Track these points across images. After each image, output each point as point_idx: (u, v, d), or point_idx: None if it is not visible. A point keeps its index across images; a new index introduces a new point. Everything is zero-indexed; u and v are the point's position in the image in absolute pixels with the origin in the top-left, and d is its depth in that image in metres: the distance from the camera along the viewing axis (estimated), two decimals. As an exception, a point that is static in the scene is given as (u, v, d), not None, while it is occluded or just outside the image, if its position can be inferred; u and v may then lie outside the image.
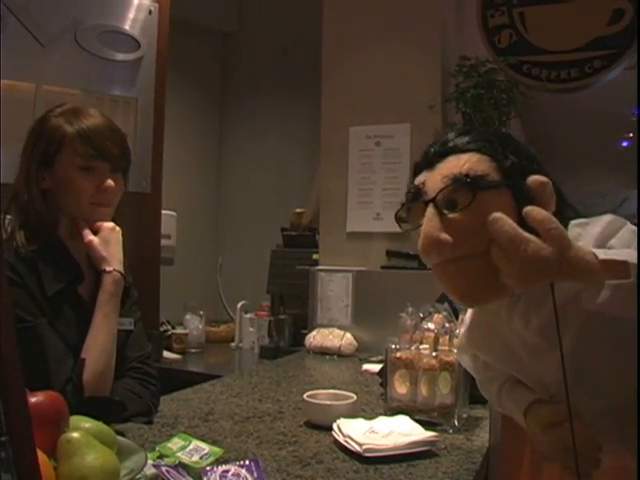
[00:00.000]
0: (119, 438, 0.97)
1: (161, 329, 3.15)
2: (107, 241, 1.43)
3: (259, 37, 4.03)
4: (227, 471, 0.86)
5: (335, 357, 2.59)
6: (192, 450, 0.99)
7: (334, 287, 2.79)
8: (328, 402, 1.53)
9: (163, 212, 3.26)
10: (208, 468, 0.89)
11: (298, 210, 3.45)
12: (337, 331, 2.68)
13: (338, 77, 2.94)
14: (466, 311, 1.64)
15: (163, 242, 3.29)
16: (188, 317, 3.28)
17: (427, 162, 0.93)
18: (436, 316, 1.63)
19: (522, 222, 0.80)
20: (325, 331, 2.70)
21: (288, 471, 1.20)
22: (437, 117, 2.61)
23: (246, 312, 3.26)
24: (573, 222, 0.89)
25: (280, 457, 1.28)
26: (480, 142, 0.91)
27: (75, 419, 0.93)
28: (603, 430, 0.89)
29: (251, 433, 1.44)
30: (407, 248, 2.67)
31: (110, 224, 1.46)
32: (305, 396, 1.55)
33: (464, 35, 2.84)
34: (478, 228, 0.82)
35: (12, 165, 2.78)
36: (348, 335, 2.65)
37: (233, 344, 3.25)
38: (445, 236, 0.84)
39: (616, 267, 0.76)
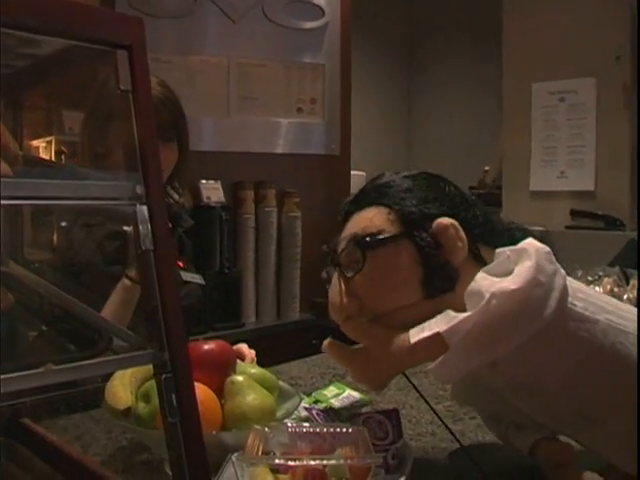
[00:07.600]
0: (281, 384, 1.12)
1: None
2: None
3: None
4: (370, 417, 0.97)
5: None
6: (344, 397, 1.12)
7: (516, 248, 2.77)
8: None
9: (353, 172, 3.41)
10: (356, 413, 1.01)
11: (486, 168, 3.45)
12: (518, 292, 2.67)
13: (519, 31, 2.85)
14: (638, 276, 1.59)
15: (354, 202, 3.44)
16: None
17: (342, 221, 0.90)
18: (605, 280, 1.59)
19: (428, 272, 0.80)
20: (506, 292, 2.70)
21: (439, 423, 1.28)
22: (626, 69, 2.44)
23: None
24: (498, 250, 0.82)
25: (436, 411, 1.36)
26: (378, 194, 0.85)
27: (243, 366, 1.09)
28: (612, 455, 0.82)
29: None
30: (594, 208, 2.57)
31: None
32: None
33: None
34: (379, 288, 0.82)
35: (212, 133, 3.05)
36: (529, 296, 2.63)
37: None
38: (346, 301, 0.84)
39: (430, 344, 0.76)
